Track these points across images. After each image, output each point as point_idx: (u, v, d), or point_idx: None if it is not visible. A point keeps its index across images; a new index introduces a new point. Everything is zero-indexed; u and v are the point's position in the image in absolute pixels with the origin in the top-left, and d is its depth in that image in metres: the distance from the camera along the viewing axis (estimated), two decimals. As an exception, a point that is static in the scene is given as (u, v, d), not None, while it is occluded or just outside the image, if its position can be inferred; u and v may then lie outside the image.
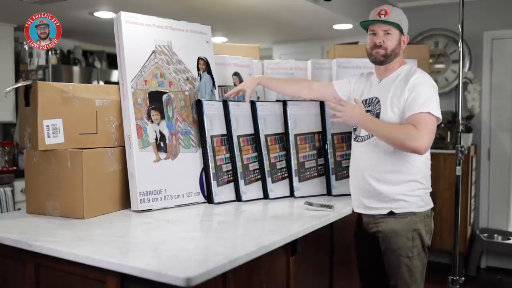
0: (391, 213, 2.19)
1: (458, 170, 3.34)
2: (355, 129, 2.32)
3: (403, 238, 2.17)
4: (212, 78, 2.57)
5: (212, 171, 2.40)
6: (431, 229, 2.25)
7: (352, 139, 2.34)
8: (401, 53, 2.26)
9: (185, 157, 2.37)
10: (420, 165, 2.19)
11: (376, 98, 2.23)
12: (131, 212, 2.19)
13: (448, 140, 4.67)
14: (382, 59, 2.21)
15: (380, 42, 2.19)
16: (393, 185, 2.17)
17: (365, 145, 2.23)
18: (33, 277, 1.74)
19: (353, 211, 2.37)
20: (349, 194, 2.61)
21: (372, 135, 2.19)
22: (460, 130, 3.28)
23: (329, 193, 2.64)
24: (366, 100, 2.29)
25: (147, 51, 2.31)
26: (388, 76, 2.26)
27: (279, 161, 2.61)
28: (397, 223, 2.18)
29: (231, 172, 2.48)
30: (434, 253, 4.01)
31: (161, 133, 2.30)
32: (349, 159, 2.70)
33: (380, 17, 2.18)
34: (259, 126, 2.57)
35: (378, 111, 2.20)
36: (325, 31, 5.02)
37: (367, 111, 2.23)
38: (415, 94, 2.09)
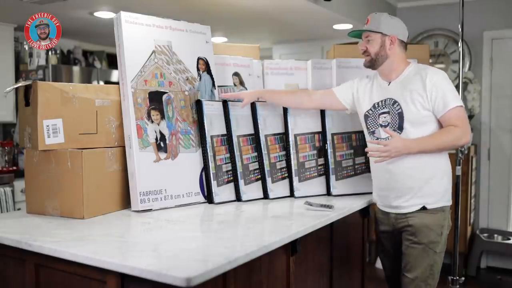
0: (423, 208, 2.25)
1: (458, 170, 3.35)
2: (373, 132, 2.34)
3: (433, 233, 2.25)
4: (212, 78, 2.57)
5: (212, 171, 2.40)
6: (450, 225, 2.34)
7: (370, 140, 2.36)
8: (397, 53, 2.30)
9: (185, 157, 2.37)
10: (446, 161, 2.30)
11: (392, 99, 2.28)
12: (131, 212, 2.20)
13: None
14: (368, 65, 2.35)
15: (362, 49, 2.33)
16: (426, 181, 2.24)
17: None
18: (33, 277, 1.74)
19: (374, 209, 2.45)
20: (349, 194, 2.62)
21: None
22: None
23: (329, 193, 2.64)
24: (379, 103, 2.33)
25: (147, 51, 2.31)
26: (397, 78, 2.31)
27: (279, 161, 2.61)
28: (429, 218, 2.25)
29: (231, 172, 2.48)
30: (434, 253, 4.00)
31: (161, 133, 2.30)
32: (349, 159, 2.71)
33: (364, 26, 2.35)
34: (259, 126, 2.57)
35: (399, 110, 2.24)
36: (325, 31, 5.02)
37: (385, 112, 2.29)
38: (440, 93, 2.18)
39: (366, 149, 2.27)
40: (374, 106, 2.34)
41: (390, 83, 2.32)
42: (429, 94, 2.19)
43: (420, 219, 2.25)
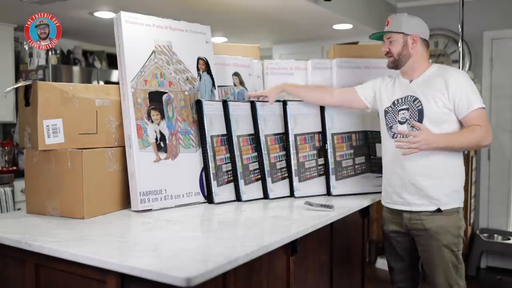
0: (438, 210, 2.25)
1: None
2: (391, 127, 2.35)
3: (451, 235, 2.25)
4: (212, 78, 2.57)
5: (212, 171, 2.40)
6: (464, 225, 2.35)
7: (388, 137, 2.37)
8: (419, 52, 2.32)
9: (185, 157, 2.37)
10: (460, 161, 2.30)
11: (413, 96, 2.30)
12: (131, 212, 2.20)
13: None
14: (392, 65, 2.37)
15: (385, 50, 2.36)
16: (440, 179, 2.24)
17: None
18: (33, 277, 1.74)
19: (383, 208, 2.44)
20: (349, 194, 2.62)
21: (415, 131, 2.23)
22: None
23: (329, 193, 2.64)
24: (399, 100, 2.34)
25: (147, 51, 2.31)
26: (419, 77, 2.33)
27: (279, 161, 2.61)
28: (445, 220, 2.25)
29: (231, 172, 2.48)
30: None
31: (161, 133, 2.30)
32: (349, 159, 2.71)
33: (385, 28, 2.36)
34: (259, 126, 2.57)
35: (419, 107, 2.26)
36: (325, 31, 5.02)
37: (404, 109, 2.30)
38: (464, 94, 2.20)
39: (395, 141, 2.25)
40: (394, 103, 2.36)
41: (411, 81, 2.34)
42: (451, 94, 2.21)
43: (436, 222, 2.24)
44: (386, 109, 2.39)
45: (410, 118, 2.27)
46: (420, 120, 2.24)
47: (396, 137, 2.30)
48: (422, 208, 2.26)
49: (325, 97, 2.66)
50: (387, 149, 2.38)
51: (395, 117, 2.33)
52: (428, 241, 2.27)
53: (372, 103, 2.52)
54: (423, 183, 2.24)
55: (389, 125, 2.36)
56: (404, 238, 2.39)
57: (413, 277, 2.48)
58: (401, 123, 2.30)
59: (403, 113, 2.31)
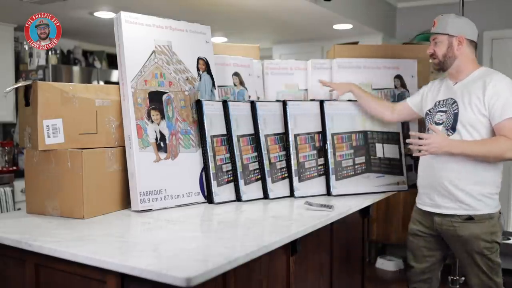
0: (470, 218, 2.22)
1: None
2: (428, 129, 2.34)
3: (483, 241, 2.23)
4: (212, 78, 2.57)
5: (212, 171, 2.40)
6: (502, 227, 2.33)
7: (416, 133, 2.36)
8: (465, 53, 2.29)
9: (185, 157, 2.37)
10: (492, 167, 2.23)
11: (452, 99, 2.28)
12: (131, 212, 2.20)
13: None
14: (437, 68, 2.36)
15: (430, 52, 2.35)
16: (472, 184, 2.21)
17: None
18: (33, 277, 1.74)
19: (417, 209, 2.44)
20: (349, 194, 2.62)
21: (448, 135, 2.23)
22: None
23: (329, 193, 2.64)
24: (440, 101, 2.34)
25: (147, 51, 2.31)
26: (464, 79, 2.30)
27: (279, 161, 2.61)
28: (477, 228, 2.22)
29: (231, 172, 2.48)
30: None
31: (161, 133, 2.30)
32: (349, 159, 2.71)
33: (431, 29, 2.35)
34: (259, 126, 2.57)
35: (455, 111, 2.24)
36: (325, 31, 5.02)
37: (442, 111, 2.29)
38: (500, 101, 2.14)
39: (407, 140, 2.25)
40: (435, 104, 2.36)
41: (456, 83, 2.32)
42: (487, 100, 2.15)
43: (469, 229, 2.23)
44: (427, 111, 2.40)
45: (446, 120, 2.26)
46: (454, 124, 2.22)
47: None
48: (451, 212, 2.25)
49: (384, 112, 2.69)
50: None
51: (433, 118, 2.33)
52: (461, 247, 2.28)
53: (419, 109, 2.52)
54: (453, 188, 2.23)
55: (427, 127, 2.35)
56: (432, 239, 2.39)
57: (431, 280, 2.46)
58: (437, 124, 2.30)
59: (440, 115, 2.30)
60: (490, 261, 2.25)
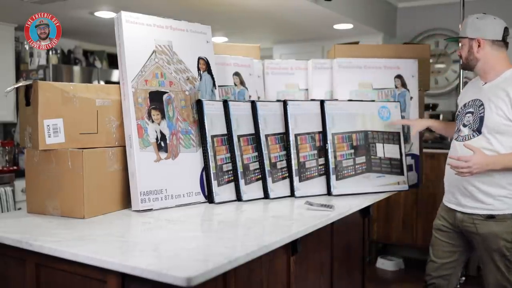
0: (491, 216, 2.23)
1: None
2: (459, 130, 2.35)
3: (503, 241, 2.23)
4: (213, 78, 2.57)
5: (212, 171, 2.40)
6: None
7: (454, 138, 2.39)
8: (489, 54, 2.27)
9: (186, 157, 2.37)
10: None
11: (480, 100, 2.27)
12: (131, 212, 2.20)
13: (449, 140, 4.67)
14: (463, 67, 2.43)
15: (458, 54, 2.42)
16: (494, 186, 2.21)
17: (464, 151, 2.23)
18: (34, 276, 1.74)
19: (443, 206, 2.46)
20: (349, 194, 2.62)
21: (474, 136, 2.23)
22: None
23: (329, 193, 2.64)
24: (469, 102, 2.34)
25: (148, 51, 2.31)
26: (493, 80, 2.29)
27: (280, 161, 2.61)
28: (497, 227, 2.23)
29: (231, 172, 2.48)
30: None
31: (161, 133, 2.30)
32: (349, 159, 2.71)
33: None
34: (260, 126, 2.57)
35: (482, 114, 2.23)
36: (326, 31, 5.02)
37: (470, 112, 2.30)
38: None
39: (447, 163, 2.25)
40: (464, 105, 2.36)
41: (485, 83, 2.31)
42: None
43: (489, 228, 2.24)
44: (458, 112, 2.41)
45: (473, 122, 2.26)
46: (480, 127, 2.22)
47: (458, 140, 2.31)
48: (473, 211, 2.27)
49: None
50: (451, 150, 2.39)
51: (462, 119, 2.34)
52: (480, 244, 2.29)
53: None
54: (474, 189, 2.24)
55: (458, 128, 2.35)
56: (454, 235, 2.41)
57: (449, 277, 2.47)
58: (464, 125, 2.31)
59: (468, 116, 2.30)
60: (508, 262, 2.25)
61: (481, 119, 2.23)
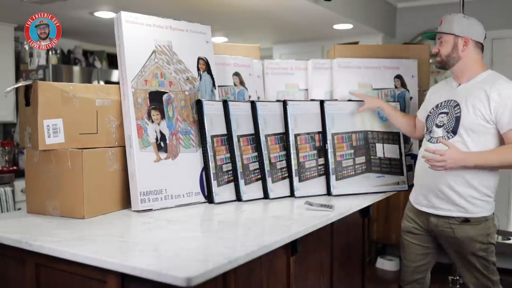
0: (466, 220, 2.22)
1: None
2: (430, 131, 2.33)
3: (478, 243, 2.24)
4: (212, 78, 2.57)
5: (212, 171, 2.40)
6: (497, 227, 2.35)
7: (425, 139, 2.37)
8: (470, 55, 2.26)
9: (186, 157, 2.37)
10: (492, 171, 2.25)
11: (455, 101, 2.25)
12: (131, 212, 2.20)
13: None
14: (439, 66, 2.34)
15: (435, 51, 2.34)
16: (466, 187, 2.20)
17: (437, 147, 2.22)
18: (33, 276, 1.74)
19: (411, 208, 2.44)
20: (349, 194, 2.62)
21: (449, 137, 2.21)
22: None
23: (329, 193, 2.64)
24: (442, 103, 2.32)
25: (148, 51, 2.31)
26: (467, 81, 2.28)
27: (279, 161, 2.61)
28: (473, 230, 2.23)
29: (231, 172, 2.48)
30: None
31: (161, 133, 2.30)
32: (349, 159, 2.71)
33: (438, 28, 2.33)
34: (259, 126, 2.57)
35: (458, 114, 2.21)
36: (325, 31, 5.02)
37: (444, 112, 2.27)
38: (506, 108, 2.12)
39: (422, 155, 2.21)
40: (437, 105, 2.34)
41: (460, 85, 2.30)
42: (493, 107, 2.12)
43: (465, 232, 2.23)
44: (429, 112, 2.38)
45: (447, 123, 2.24)
46: (456, 127, 2.20)
47: (432, 142, 2.28)
48: (448, 214, 2.25)
49: (410, 131, 2.68)
50: (422, 151, 2.36)
51: (434, 120, 2.31)
52: (456, 249, 2.28)
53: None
54: (450, 191, 2.22)
55: (429, 129, 2.33)
56: (426, 238, 2.39)
57: (423, 281, 2.47)
58: (438, 126, 2.29)
59: (442, 117, 2.28)
60: (485, 261, 2.26)
61: (457, 119, 2.20)
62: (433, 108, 2.36)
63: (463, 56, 2.26)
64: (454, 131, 2.21)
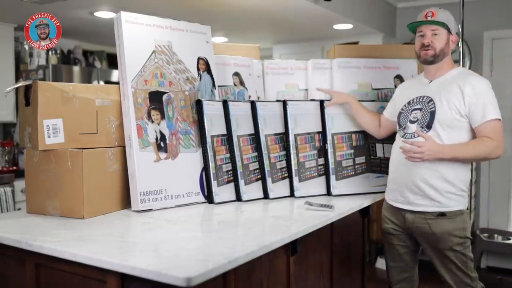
0: (442, 214, 2.23)
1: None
2: (404, 128, 2.32)
3: (455, 238, 2.24)
4: (212, 78, 2.57)
5: (212, 171, 2.40)
6: (470, 223, 2.36)
7: (399, 136, 2.36)
8: (450, 54, 2.31)
9: (185, 157, 2.37)
10: (463, 165, 2.26)
11: (428, 97, 2.27)
12: (131, 212, 2.20)
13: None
14: (431, 59, 2.29)
15: (428, 42, 2.26)
16: (441, 181, 2.22)
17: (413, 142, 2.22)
18: (33, 277, 1.74)
19: (386, 206, 2.44)
20: (349, 194, 2.62)
21: (423, 132, 2.22)
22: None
23: (329, 193, 2.64)
24: (414, 99, 2.32)
25: (147, 51, 2.31)
26: (439, 77, 2.30)
27: (279, 161, 2.61)
28: (450, 224, 2.23)
29: (231, 172, 2.48)
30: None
31: (161, 133, 2.30)
32: (349, 159, 2.71)
33: (427, 18, 2.27)
34: (259, 126, 2.57)
35: (432, 109, 2.23)
36: (325, 31, 5.02)
37: (417, 109, 2.28)
38: (480, 103, 2.16)
39: (400, 146, 2.22)
40: (408, 102, 2.34)
41: (431, 81, 2.32)
42: (467, 101, 2.16)
43: (442, 226, 2.24)
44: (401, 110, 2.37)
45: (421, 118, 2.25)
46: (431, 122, 2.21)
47: (407, 138, 2.28)
48: (423, 209, 2.25)
49: (375, 129, 2.66)
50: (396, 148, 2.36)
51: (408, 116, 2.32)
52: (434, 244, 2.28)
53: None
54: (426, 185, 2.23)
55: (403, 126, 2.33)
56: (404, 236, 2.39)
57: (412, 278, 2.48)
58: (411, 122, 2.29)
59: (415, 113, 2.29)
60: (463, 256, 2.26)
61: (432, 114, 2.22)
62: (405, 105, 2.36)
63: (448, 53, 2.29)
64: (429, 126, 2.23)
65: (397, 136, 2.39)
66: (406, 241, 2.40)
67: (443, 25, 2.26)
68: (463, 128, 2.20)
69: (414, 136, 2.25)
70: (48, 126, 2.04)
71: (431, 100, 2.25)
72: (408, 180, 2.27)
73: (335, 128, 2.70)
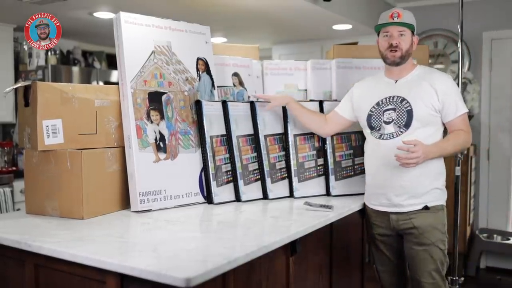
0: (426, 208, 2.25)
1: (458, 170, 3.35)
2: (379, 129, 2.31)
3: (438, 232, 2.27)
4: (211, 79, 2.57)
5: (211, 171, 2.40)
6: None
7: (373, 138, 2.32)
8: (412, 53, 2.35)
9: (185, 157, 2.37)
10: (440, 160, 2.32)
11: (399, 96, 2.28)
12: (130, 212, 2.20)
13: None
14: (399, 61, 2.29)
15: (396, 43, 2.27)
16: (426, 178, 2.25)
17: (393, 143, 2.22)
18: (33, 277, 1.74)
19: (365, 211, 2.44)
20: (348, 194, 2.62)
21: (402, 132, 2.24)
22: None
23: (328, 193, 2.64)
24: (383, 100, 2.31)
25: (147, 51, 2.31)
26: (405, 76, 2.33)
27: (279, 161, 2.61)
28: (433, 217, 2.27)
29: (230, 172, 2.48)
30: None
31: (160, 133, 2.30)
32: (348, 159, 2.71)
33: (393, 19, 2.28)
34: (259, 127, 2.57)
35: (408, 108, 2.24)
36: (325, 31, 5.02)
37: (390, 109, 2.28)
38: (452, 98, 2.25)
39: (395, 154, 2.15)
40: (378, 103, 2.32)
41: (397, 81, 2.33)
42: (441, 98, 2.22)
43: (424, 219, 2.25)
44: (370, 112, 2.34)
45: (397, 118, 2.25)
46: (409, 121, 2.22)
47: (384, 138, 2.27)
48: (409, 209, 2.26)
49: (319, 128, 2.60)
50: (374, 150, 2.34)
51: (380, 117, 2.30)
52: (418, 239, 2.27)
53: (352, 115, 2.49)
54: (410, 183, 2.24)
55: (376, 127, 2.31)
56: (391, 239, 2.39)
57: (402, 278, 2.48)
58: (386, 123, 2.28)
59: (389, 113, 2.28)
60: (444, 256, 2.29)
61: (409, 113, 2.23)
62: (373, 107, 2.33)
63: (411, 54, 2.33)
64: (407, 125, 2.23)
65: (370, 139, 2.36)
66: (393, 244, 2.40)
67: (410, 26, 2.29)
68: (437, 123, 2.27)
69: (392, 136, 2.25)
70: (47, 126, 2.04)
71: (404, 99, 2.26)
72: (394, 182, 2.26)
73: (335, 128, 2.69)
